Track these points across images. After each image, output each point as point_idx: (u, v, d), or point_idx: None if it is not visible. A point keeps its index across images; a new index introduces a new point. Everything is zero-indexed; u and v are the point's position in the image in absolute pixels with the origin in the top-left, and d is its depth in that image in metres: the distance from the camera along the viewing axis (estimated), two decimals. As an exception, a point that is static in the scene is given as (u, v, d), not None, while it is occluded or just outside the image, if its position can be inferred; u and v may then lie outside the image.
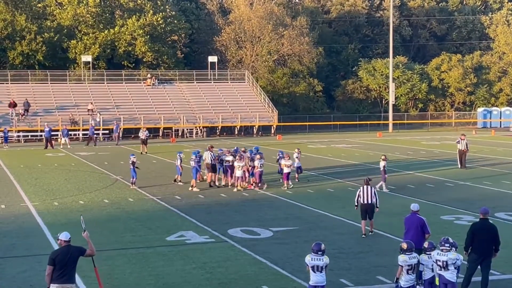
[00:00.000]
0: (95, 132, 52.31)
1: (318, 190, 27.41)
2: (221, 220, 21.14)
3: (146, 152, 42.72)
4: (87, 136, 52.27)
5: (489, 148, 45.60)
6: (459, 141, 34.24)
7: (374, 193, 19.12)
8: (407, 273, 12.17)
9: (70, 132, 56.16)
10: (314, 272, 11.99)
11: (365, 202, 18.92)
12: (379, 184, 26.89)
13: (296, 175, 29.26)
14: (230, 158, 27.92)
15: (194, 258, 16.48)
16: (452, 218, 21.34)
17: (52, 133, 49.86)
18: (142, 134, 44.40)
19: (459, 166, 33.97)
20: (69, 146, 48.66)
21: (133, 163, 28.02)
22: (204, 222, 20.82)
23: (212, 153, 28.30)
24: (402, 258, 12.23)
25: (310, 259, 12.02)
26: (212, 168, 28.29)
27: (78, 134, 56.69)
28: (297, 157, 29.47)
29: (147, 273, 15.29)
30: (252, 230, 19.59)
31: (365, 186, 19.10)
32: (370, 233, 19.12)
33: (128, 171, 28.86)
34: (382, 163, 27.07)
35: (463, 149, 33.92)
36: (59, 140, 50.63)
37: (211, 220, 21.16)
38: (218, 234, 19.06)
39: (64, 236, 11.64)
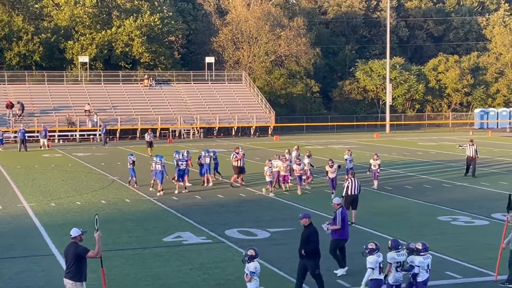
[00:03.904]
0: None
1: (315, 191, 27.40)
2: (218, 221, 21.12)
3: (151, 155, 39.78)
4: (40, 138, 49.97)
5: (486, 149, 45.59)
6: (467, 146, 32.21)
7: (359, 184, 20.63)
8: (396, 270, 12.19)
9: (67, 133, 56.37)
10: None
11: (352, 193, 20.17)
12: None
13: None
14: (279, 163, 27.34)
15: (191, 259, 16.46)
16: (449, 219, 21.36)
17: (27, 135, 48.74)
18: (148, 137, 42.82)
19: (465, 172, 31.90)
20: (47, 148, 48.41)
21: (134, 162, 28.10)
22: (201, 222, 20.81)
23: (238, 155, 28.33)
24: (391, 255, 12.24)
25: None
26: (239, 170, 28.27)
27: (75, 135, 56.71)
28: (347, 159, 28.89)
29: (144, 274, 15.27)
30: (249, 231, 19.57)
31: (352, 178, 20.33)
32: (353, 224, 19.87)
33: (125, 171, 28.84)
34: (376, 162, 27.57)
35: (471, 155, 31.69)
36: (41, 141, 49.45)
37: (208, 220, 21.14)
38: (215, 235, 19.05)
39: (71, 232, 11.81)
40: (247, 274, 11.78)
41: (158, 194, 26.26)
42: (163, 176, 26.48)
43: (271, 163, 26.68)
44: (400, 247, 12.32)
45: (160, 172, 26.41)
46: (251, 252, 11.89)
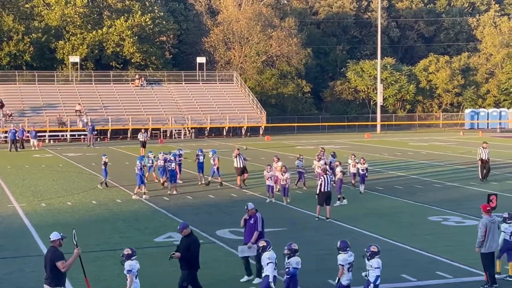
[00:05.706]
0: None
1: (306, 191, 27.40)
2: (209, 221, 21.12)
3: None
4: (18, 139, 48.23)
5: (477, 150, 45.65)
6: (480, 149, 30.78)
7: (331, 181, 21.50)
8: (348, 271, 12.24)
9: (57, 133, 56.23)
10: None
11: (326, 190, 20.85)
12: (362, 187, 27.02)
13: (353, 181, 28.13)
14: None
15: (183, 259, 16.42)
16: (439, 219, 21.42)
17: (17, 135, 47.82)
18: (141, 137, 42.10)
19: (480, 177, 30.43)
20: (37, 148, 48.18)
21: (105, 163, 27.98)
22: (192, 223, 20.66)
23: (242, 156, 28.18)
24: (342, 257, 12.20)
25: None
26: (241, 171, 28.12)
27: (66, 135, 56.55)
28: (349, 163, 28.38)
29: (135, 274, 15.23)
30: (240, 231, 19.50)
31: (325, 176, 20.99)
32: (327, 220, 20.91)
33: (115, 172, 28.79)
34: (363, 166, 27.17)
35: (485, 158, 30.47)
36: (31, 142, 49.03)
37: (199, 221, 21.12)
38: (206, 235, 19.03)
39: (51, 235, 11.60)
40: (126, 275, 11.48)
41: (133, 196, 25.88)
42: (141, 179, 25.77)
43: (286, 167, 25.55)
44: (348, 248, 12.31)
45: (137, 174, 25.88)
46: (127, 251, 11.68)
